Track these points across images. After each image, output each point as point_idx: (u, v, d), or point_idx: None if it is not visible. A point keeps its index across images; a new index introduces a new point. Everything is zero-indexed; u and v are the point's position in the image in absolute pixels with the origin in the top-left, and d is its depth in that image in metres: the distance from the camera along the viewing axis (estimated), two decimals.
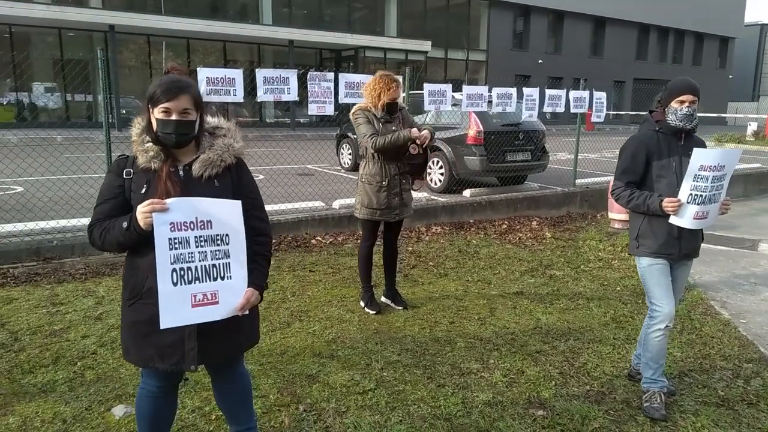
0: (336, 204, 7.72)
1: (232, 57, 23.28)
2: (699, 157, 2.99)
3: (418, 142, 4.30)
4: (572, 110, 9.20)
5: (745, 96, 46.63)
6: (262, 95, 6.06)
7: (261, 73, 6.04)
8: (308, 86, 6.38)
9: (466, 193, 9.02)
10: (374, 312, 4.45)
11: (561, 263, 6.16)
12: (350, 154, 11.74)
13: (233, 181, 2.21)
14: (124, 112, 22.23)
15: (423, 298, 4.90)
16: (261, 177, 10.53)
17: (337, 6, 26.33)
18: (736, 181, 11.51)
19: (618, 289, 5.39)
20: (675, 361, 3.96)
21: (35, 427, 2.83)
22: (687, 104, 3.13)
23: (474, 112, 8.74)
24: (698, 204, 3.03)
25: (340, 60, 25.73)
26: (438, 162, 9.49)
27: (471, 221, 7.88)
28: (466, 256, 6.23)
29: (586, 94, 9.23)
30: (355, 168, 11.50)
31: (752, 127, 24.64)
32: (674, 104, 3.16)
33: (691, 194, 3.03)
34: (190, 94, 2.08)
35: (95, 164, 7.28)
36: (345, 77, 6.60)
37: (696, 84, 3.20)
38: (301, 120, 23.46)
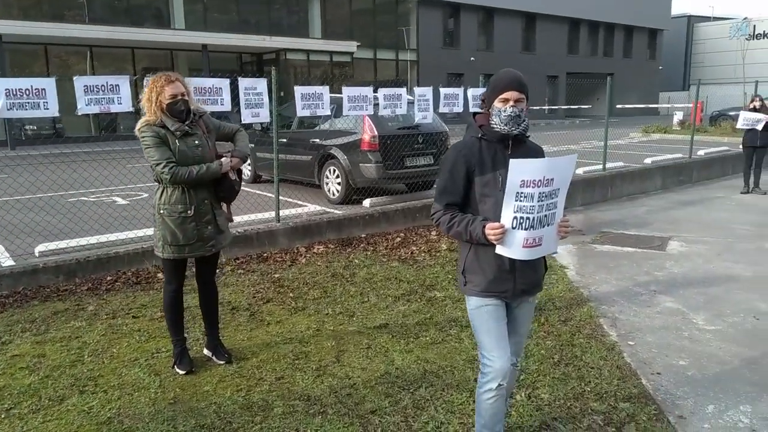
0: None
1: (142, 65, 21.86)
2: (518, 170, 2.29)
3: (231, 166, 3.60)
4: (471, 108, 8.56)
5: (676, 86, 47.91)
6: (83, 107, 5.14)
7: (81, 81, 5.12)
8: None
9: (366, 203, 8.27)
10: (183, 372, 3.59)
11: (447, 282, 5.47)
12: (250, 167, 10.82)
13: None
14: (30, 127, 20.54)
15: (260, 344, 4.05)
16: (145, 195, 9.53)
17: (255, 8, 25.05)
18: (654, 173, 11.17)
19: None
20: (539, 407, 3.30)
21: None
22: (512, 103, 2.44)
23: (368, 116, 8.01)
24: (526, 229, 2.34)
25: (261, 64, 24.63)
26: (334, 171, 8.70)
27: (362, 236, 7.14)
28: (338, 281, 5.44)
29: (459, 90, 8.53)
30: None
31: (678, 116, 24.95)
32: (497, 104, 2.46)
33: (515, 217, 2.33)
34: None
35: None
36: (198, 82, 5.72)
37: (521, 77, 2.50)
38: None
